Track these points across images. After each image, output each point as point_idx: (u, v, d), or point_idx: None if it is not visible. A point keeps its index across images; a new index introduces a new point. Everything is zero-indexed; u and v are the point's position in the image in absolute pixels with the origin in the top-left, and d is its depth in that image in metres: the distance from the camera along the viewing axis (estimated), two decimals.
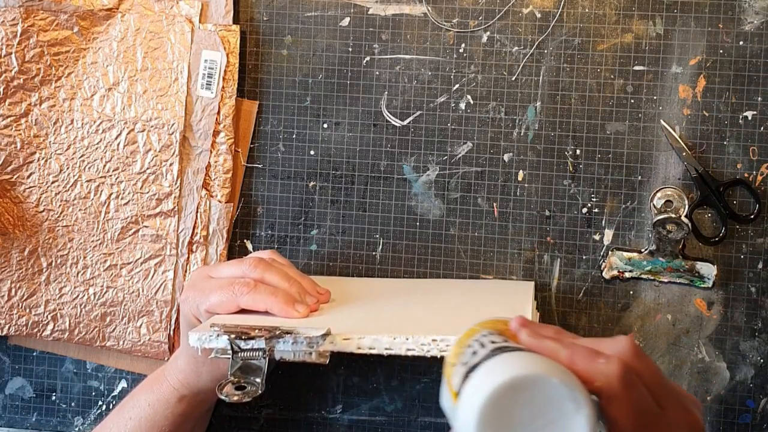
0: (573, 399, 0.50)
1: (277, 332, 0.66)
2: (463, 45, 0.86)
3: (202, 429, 0.87)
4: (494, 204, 0.86)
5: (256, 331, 0.66)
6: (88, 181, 0.88)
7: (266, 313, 0.73)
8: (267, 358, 0.66)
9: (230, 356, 0.66)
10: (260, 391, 0.65)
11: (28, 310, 0.90)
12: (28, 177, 0.89)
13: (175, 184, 0.87)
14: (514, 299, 0.78)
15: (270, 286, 0.74)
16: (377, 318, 0.73)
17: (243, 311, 0.74)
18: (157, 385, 0.80)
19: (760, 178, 0.83)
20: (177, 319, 0.88)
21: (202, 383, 0.79)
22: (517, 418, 0.50)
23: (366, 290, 0.83)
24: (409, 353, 0.65)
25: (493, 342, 0.55)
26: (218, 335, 0.66)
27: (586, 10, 0.85)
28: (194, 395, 0.80)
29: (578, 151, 0.85)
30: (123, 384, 0.92)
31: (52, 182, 0.89)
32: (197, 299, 0.75)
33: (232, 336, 0.65)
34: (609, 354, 0.54)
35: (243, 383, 0.65)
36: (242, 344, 0.65)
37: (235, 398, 0.64)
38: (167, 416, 0.80)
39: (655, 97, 0.84)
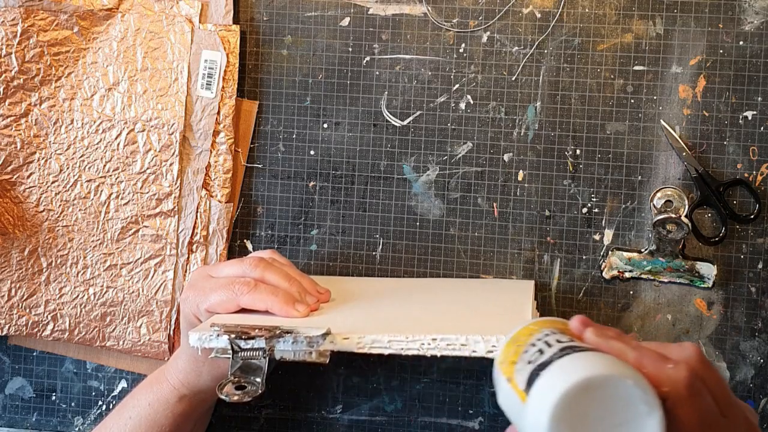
0: (646, 401, 0.49)
1: (278, 332, 0.66)
2: (463, 45, 0.86)
3: (202, 429, 0.87)
4: (494, 204, 0.86)
5: (256, 330, 0.66)
6: (88, 181, 0.88)
7: (266, 312, 0.73)
8: (267, 358, 0.66)
9: (230, 356, 0.66)
10: (260, 391, 0.65)
11: (28, 310, 0.90)
12: (28, 177, 0.89)
13: (175, 184, 0.87)
14: (515, 298, 0.78)
15: (270, 286, 0.74)
16: (377, 317, 0.73)
17: (243, 311, 0.74)
18: (157, 385, 0.80)
19: (760, 178, 0.83)
20: (177, 319, 0.88)
21: (202, 383, 0.79)
22: (589, 418, 0.49)
23: (366, 290, 0.83)
24: (409, 352, 0.65)
25: (559, 341, 0.54)
26: (218, 335, 0.66)
27: (586, 10, 0.85)
28: (194, 395, 0.80)
29: (578, 151, 0.85)
30: (123, 384, 0.92)
31: (52, 182, 0.89)
32: (197, 299, 0.75)
33: (232, 336, 0.65)
34: (677, 359, 0.54)
35: (243, 383, 0.65)
36: (242, 344, 0.65)
37: (236, 398, 0.64)
38: (167, 416, 0.80)
39: (655, 97, 0.84)
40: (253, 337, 0.65)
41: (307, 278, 0.78)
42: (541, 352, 0.54)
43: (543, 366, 0.52)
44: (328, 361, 0.66)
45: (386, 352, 0.65)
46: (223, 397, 0.64)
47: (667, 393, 0.52)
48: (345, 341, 0.66)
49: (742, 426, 0.55)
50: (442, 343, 0.65)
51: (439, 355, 0.64)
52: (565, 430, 0.49)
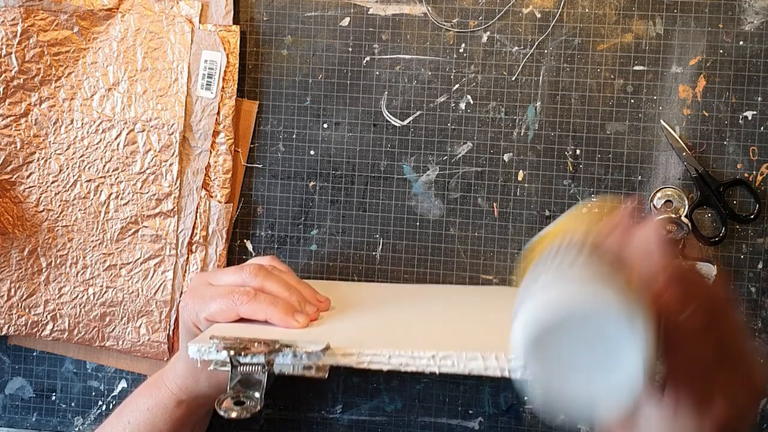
0: (627, 322, 0.48)
1: (277, 346, 0.65)
2: (463, 45, 0.86)
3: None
4: (494, 204, 0.86)
5: (256, 345, 0.65)
6: (87, 181, 0.88)
7: (266, 322, 0.73)
8: (267, 373, 0.65)
9: (229, 369, 0.65)
10: (259, 407, 0.64)
11: (27, 310, 0.90)
12: (28, 177, 0.89)
13: (175, 184, 0.87)
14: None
15: (270, 296, 0.74)
16: (377, 329, 0.73)
17: (243, 320, 0.74)
18: (155, 390, 0.80)
19: (760, 178, 0.84)
20: (176, 319, 0.88)
21: (200, 389, 0.79)
22: (569, 350, 0.49)
23: (365, 297, 0.83)
24: (409, 369, 0.65)
25: (562, 260, 0.52)
26: (218, 349, 0.65)
27: (586, 10, 0.85)
28: (192, 400, 0.80)
29: (578, 151, 0.85)
30: (123, 384, 0.91)
31: (52, 182, 0.89)
32: (196, 307, 0.75)
33: (232, 352, 0.65)
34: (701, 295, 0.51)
35: (242, 398, 0.65)
36: (242, 358, 0.65)
37: (234, 414, 0.63)
38: (166, 420, 0.80)
39: (655, 97, 0.84)
40: (252, 353, 0.65)
41: (307, 286, 0.78)
42: (537, 277, 0.52)
43: (527, 298, 0.51)
44: (326, 376, 0.65)
45: (386, 368, 0.65)
46: (221, 413, 0.63)
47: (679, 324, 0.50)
48: (344, 357, 0.65)
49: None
50: (440, 360, 0.64)
51: (438, 372, 0.64)
52: (542, 363, 0.49)
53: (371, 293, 0.84)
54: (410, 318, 0.76)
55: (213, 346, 0.65)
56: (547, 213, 0.86)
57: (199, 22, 0.87)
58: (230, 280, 0.76)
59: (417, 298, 0.83)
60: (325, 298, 0.78)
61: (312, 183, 0.89)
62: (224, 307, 0.73)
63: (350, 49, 0.88)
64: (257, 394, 0.65)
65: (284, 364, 0.65)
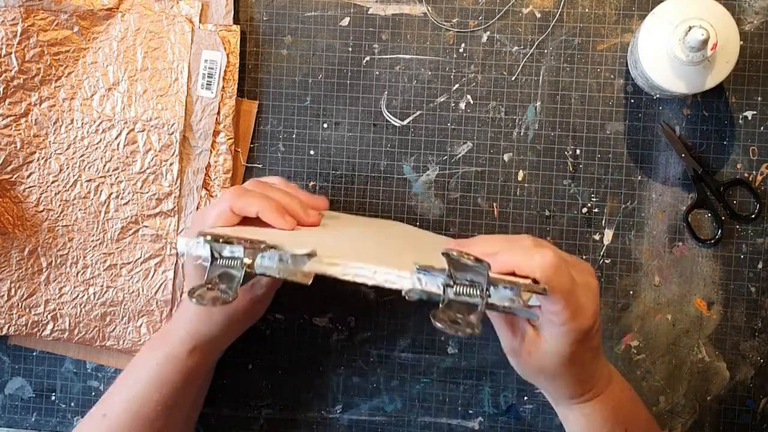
0: None
1: (262, 246, 0.64)
2: (463, 45, 0.86)
3: (197, 410, 0.86)
4: (494, 204, 0.86)
5: (239, 240, 0.65)
6: (88, 180, 0.88)
7: (267, 226, 0.72)
8: (244, 268, 0.64)
9: (209, 262, 0.65)
10: (231, 300, 0.63)
11: (27, 310, 0.90)
12: (28, 177, 0.89)
13: (175, 184, 0.87)
14: None
15: (264, 195, 0.73)
16: (368, 247, 0.71)
17: (243, 224, 0.73)
18: (162, 343, 0.79)
19: (760, 178, 0.83)
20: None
21: (212, 332, 0.77)
22: None
23: (361, 222, 0.83)
24: (393, 286, 0.63)
25: None
26: (204, 242, 0.65)
27: (586, 10, 0.85)
28: (205, 344, 0.78)
29: (578, 151, 0.85)
30: None
31: (52, 182, 0.89)
32: (198, 227, 0.74)
33: (215, 244, 0.64)
34: (539, 248, 0.64)
35: (217, 289, 0.64)
36: (224, 251, 0.65)
37: (205, 302, 0.63)
38: (178, 371, 0.78)
39: (655, 97, 0.84)
40: (231, 242, 0.64)
41: (307, 194, 0.79)
42: None
43: None
44: (310, 283, 0.64)
45: (370, 282, 0.62)
46: (193, 300, 0.63)
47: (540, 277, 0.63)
48: (330, 266, 0.63)
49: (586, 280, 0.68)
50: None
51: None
52: None
53: (363, 226, 0.83)
54: (399, 246, 0.75)
55: (201, 239, 0.65)
56: (547, 213, 0.86)
57: (199, 22, 0.87)
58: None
59: (408, 234, 0.82)
60: (323, 203, 0.79)
61: (312, 183, 0.89)
62: (219, 210, 0.72)
63: (350, 49, 0.88)
64: (231, 288, 0.64)
65: (268, 266, 0.64)
